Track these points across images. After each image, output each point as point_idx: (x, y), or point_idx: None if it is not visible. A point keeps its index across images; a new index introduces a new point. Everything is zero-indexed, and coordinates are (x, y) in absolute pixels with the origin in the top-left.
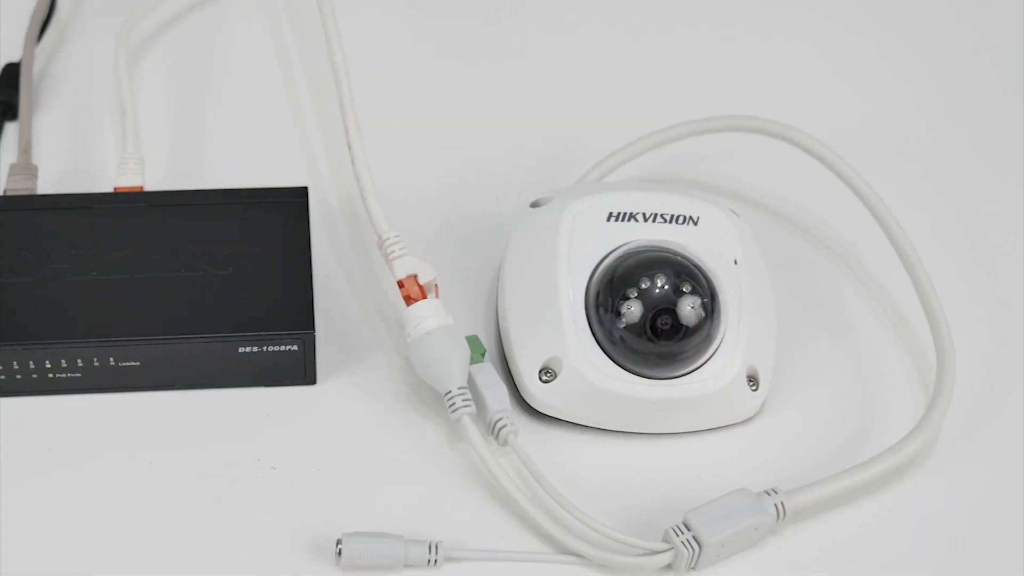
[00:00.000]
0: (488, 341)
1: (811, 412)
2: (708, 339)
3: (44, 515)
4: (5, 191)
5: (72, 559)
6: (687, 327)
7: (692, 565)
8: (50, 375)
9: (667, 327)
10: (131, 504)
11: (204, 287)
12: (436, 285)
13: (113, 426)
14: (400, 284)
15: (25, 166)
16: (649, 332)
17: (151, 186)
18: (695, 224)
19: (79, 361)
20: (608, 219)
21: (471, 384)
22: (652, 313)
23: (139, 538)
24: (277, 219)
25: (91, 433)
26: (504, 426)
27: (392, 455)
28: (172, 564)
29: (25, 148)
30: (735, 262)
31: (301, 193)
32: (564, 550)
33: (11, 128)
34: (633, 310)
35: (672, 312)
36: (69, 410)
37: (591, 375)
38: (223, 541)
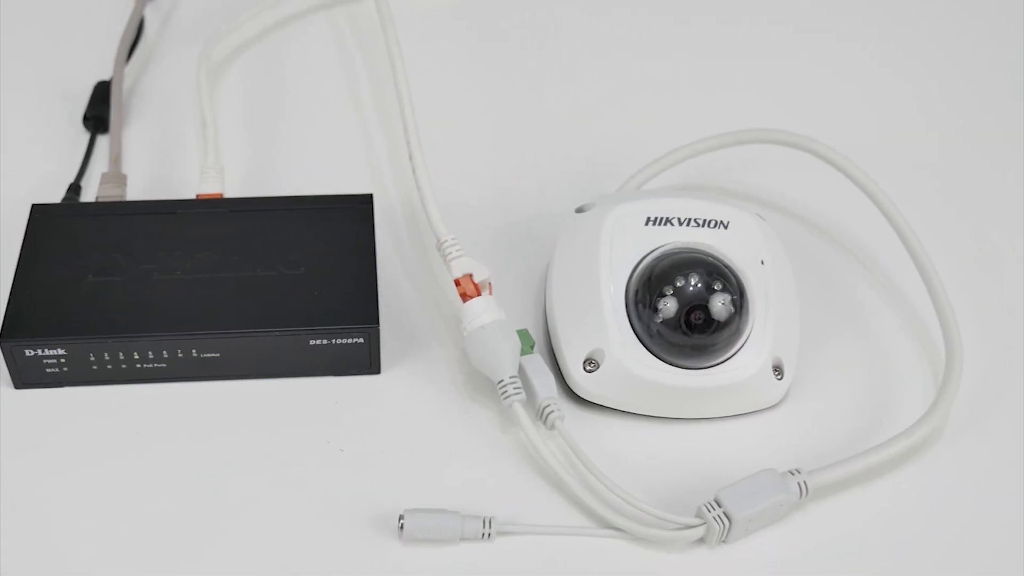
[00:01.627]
0: (537, 334)
1: (831, 399)
2: (737, 332)
3: (133, 492)
4: (97, 198)
5: (158, 530)
6: (718, 322)
7: (723, 538)
8: (138, 365)
9: (700, 322)
10: (212, 482)
11: (278, 285)
12: (490, 283)
13: (195, 412)
14: (457, 282)
15: (115, 175)
16: (684, 326)
17: (230, 193)
18: (725, 228)
19: (165, 352)
20: (646, 223)
21: (521, 373)
22: (686, 309)
23: (219, 511)
24: (345, 223)
25: (175, 418)
26: (552, 412)
27: (449, 438)
28: (248, 536)
29: (115, 158)
30: (762, 263)
31: (366, 199)
32: (606, 525)
33: (103, 140)
34: (669, 306)
35: (705, 308)
36: (155, 397)
37: (631, 365)
38: (295, 516)
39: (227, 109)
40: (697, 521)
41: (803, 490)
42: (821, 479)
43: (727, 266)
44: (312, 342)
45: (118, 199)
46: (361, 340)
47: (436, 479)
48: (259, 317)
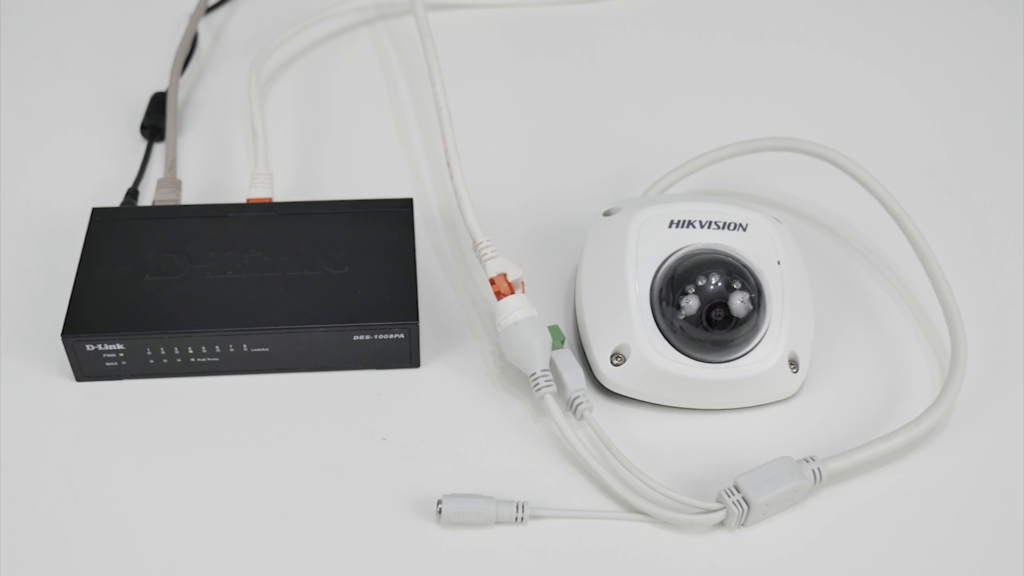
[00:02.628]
0: (567, 330)
1: (844, 391)
2: (755, 328)
3: (188, 477)
4: (154, 202)
5: (211, 513)
6: (737, 318)
7: (742, 522)
8: (192, 359)
9: (720, 318)
10: (262, 469)
11: (324, 284)
12: (523, 282)
13: (246, 403)
14: (492, 281)
15: (171, 180)
16: (705, 322)
17: (278, 197)
18: (744, 230)
19: (217, 347)
20: (669, 226)
21: (552, 367)
22: (707, 306)
23: (268, 497)
24: (386, 226)
25: (227, 409)
26: (581, 403)
27: (485, 428)
28: (296, 519)
29: (171, 165)
30: (778, 263)
31: (407, 203)
32: (632, 509)
33: (159, 148)
34: (691, 304)
35: (725, 305)
36: (208, 389)
37: (655, 359)
38: (340, 501)
39: (276, 118)
40: (717, 506)
41: (817, 476)
42: (834, 466)
43: (746, 266)
44: (356, 337)
45: (173, 203)
46: (402, 335)
47: (472, 466)
48: (306, 314)
